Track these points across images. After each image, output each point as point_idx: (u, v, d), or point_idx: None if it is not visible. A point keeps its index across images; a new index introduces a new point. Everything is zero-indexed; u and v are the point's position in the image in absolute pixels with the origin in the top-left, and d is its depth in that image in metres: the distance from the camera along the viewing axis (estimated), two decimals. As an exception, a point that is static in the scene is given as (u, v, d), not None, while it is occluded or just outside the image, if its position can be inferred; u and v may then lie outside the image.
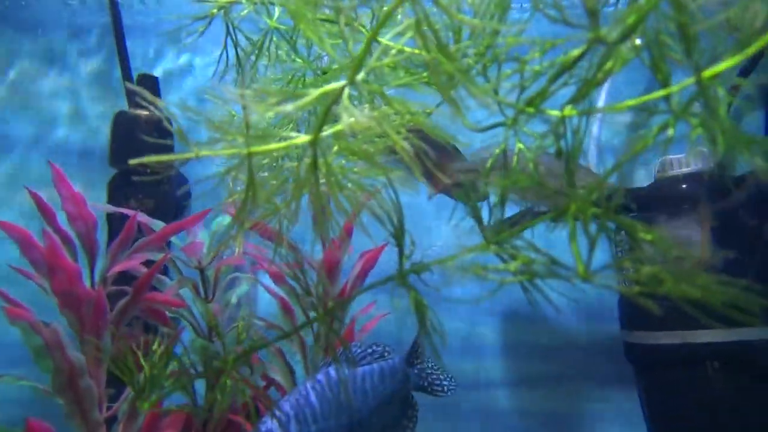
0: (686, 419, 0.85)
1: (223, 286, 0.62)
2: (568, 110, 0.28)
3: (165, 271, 0.74)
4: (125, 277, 0.60)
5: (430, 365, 0.58)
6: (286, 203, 0.30)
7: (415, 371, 0.58)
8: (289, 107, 0.22)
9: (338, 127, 0.23)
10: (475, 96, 0.24)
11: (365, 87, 0.23)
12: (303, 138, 0.24)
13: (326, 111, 0.22)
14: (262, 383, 0.61)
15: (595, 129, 1.02)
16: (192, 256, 0.59)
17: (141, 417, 0.49)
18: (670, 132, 0.28)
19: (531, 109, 0.29)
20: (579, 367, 1.09)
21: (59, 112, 1.10)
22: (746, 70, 1.01)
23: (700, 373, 0.83)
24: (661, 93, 0.27)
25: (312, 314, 0.63)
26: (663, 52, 0.26)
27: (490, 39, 0.28)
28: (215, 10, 0.39)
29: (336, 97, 0.22)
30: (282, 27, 0.41)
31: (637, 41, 0.26)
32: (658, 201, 0.93)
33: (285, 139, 0.24)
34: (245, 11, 0.40)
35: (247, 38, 0.42)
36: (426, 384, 0.59)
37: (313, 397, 0.47)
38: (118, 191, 0.96)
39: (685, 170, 0.93)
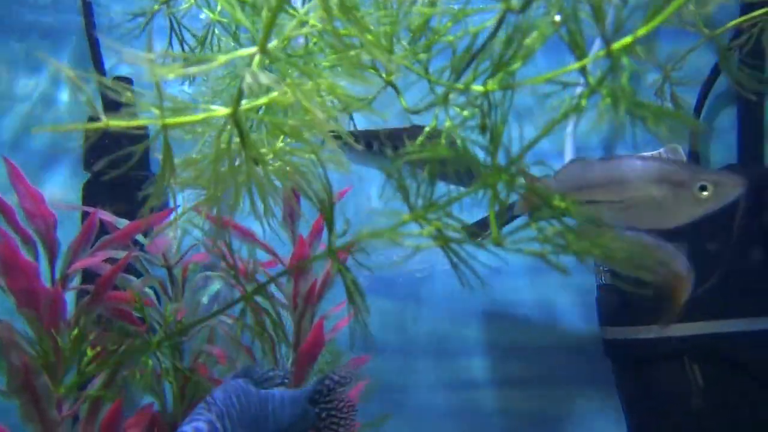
0: (661, 413, 0.85)
1: (193, 286, 0.62)
2: (491, 85, 0.28)
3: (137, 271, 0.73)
4: (94, 277, 0.59)
5: (334, 406, 0.55)
6: (207, 182, 0.29)
7: (316, 410, 0.55)
8: (192, 70, 0.22)
9: (261, 100, 0.23)
10: (377, 58, 0.24)
11: (277, 56, 0.23)
12: (222, 111, 0.24)
13: (239, 78, 0.22)
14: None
15: (570, 126, 1.03)
16: (156, 254, 0.58)
17: (101, 416, 0.48)
18: (582, 102, 0.28)
19: (460, 86, 0.29)
20: (562, 366, 1.09)
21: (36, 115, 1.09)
22: (717, 69, 1.02)
23: (674, 367, 0.84)
24: (576, 65, 0.27)
25: (282, 311, 0.63)
26: (578, 26, 0.26)
27: (408, 7, 0.28)
28: (157, 6, 0.39)
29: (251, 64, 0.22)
30: (224, 20, 0.41)
31: (557, 18, 0.27)
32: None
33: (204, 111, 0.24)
34: (186, 5, 0.40)
35: (192, 34, 0.41)
36: (322, 426, 0.55)
37: (236, 403, 0.46)
38: (91, 195, 0.95)
39: (659, 167, 0.93)
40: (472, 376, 1.11)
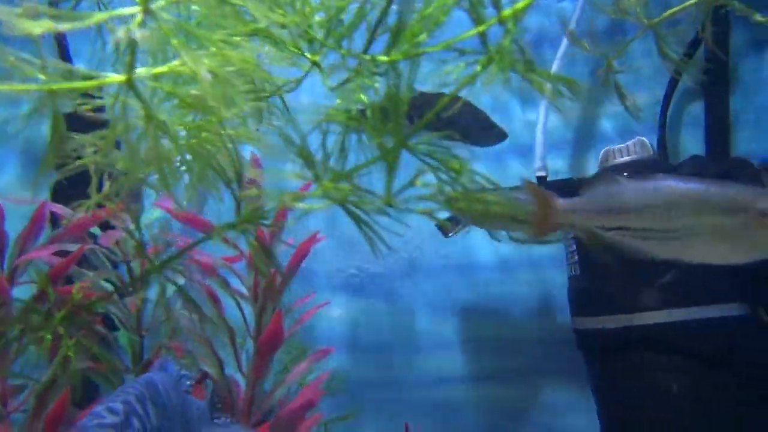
0: (629, 402, 0.86)
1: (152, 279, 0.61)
2: (394, 55, 0.28)
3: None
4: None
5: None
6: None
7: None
8: (63, 26, 0.21)
9: (161, 69, 0.23)
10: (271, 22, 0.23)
11: (163, 17, 0.23)
12: (115, 77, 0.23)
13: (128, 43, 0.22)
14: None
15: (541, 118, 1.03)
16: (112, 247, 0.57)
17: (47, 410, 0.47)
18: (478, 69, 0.28)
19: (366, 56, 0.29)
20: (538, 359, 1.10)
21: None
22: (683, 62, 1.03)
23: (637, 356, 0.85)
24: (471, 32, 0.28)
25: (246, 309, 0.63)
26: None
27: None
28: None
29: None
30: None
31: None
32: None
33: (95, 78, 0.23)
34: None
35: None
36: None
37: (162, 394, 0.44)
38: (61, 192, 0.94)
39: (625, 159, 0.94)
40: (449, 371, 1.11)
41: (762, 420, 0.80)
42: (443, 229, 1.02)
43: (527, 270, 1.11)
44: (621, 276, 0.88)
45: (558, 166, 1.11)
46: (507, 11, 0.28)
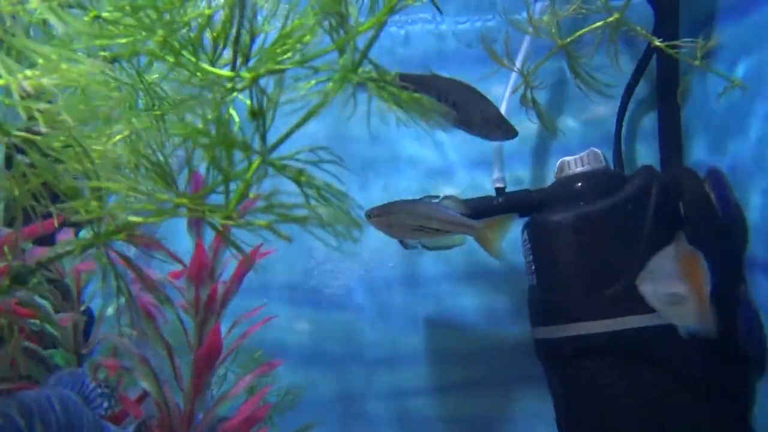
0: (584, 408, 0.87)
1: (92, 297, 0.60)
2: (253, 72, 0.29)
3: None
4: None
5: None
6: None
7: None
8: None
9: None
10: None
11: None
12: None
13: None
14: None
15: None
16: (33, 262, 0.56)
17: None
18: (330, 86, 0.28)
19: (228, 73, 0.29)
20: (501, 370, 1.10)
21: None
22: (635, 77, 1.06)
23: (594, 363, 0.85)
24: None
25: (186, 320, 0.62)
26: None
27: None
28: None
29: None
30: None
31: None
32: (557, 199, 0.96)
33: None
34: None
35: None
36: None
37: (57, 411, 0.41)
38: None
39: (579, 170, 0.96)
40: (411, 383, 1.11)
41: (708, 420, 0.81)
42: (404, 240, 1.02)
43: (489, 280, 1.12)
44: (575, 285, 0.89)
45: (519, 178, 1.13)
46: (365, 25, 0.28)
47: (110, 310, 0.64)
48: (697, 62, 0.73)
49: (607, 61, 0.92)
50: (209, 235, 0.65)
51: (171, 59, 0.28)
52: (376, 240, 1.12)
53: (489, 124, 0.85)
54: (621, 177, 0.95)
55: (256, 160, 0.33)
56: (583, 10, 0.75)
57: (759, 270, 0.81)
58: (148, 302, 0.61)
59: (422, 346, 1.12)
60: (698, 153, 0.99)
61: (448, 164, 1.14)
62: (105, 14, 0.29)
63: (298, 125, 0.34)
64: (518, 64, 0.96)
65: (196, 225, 0.63)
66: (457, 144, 1.14)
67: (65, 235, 0.61)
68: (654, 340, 0.83)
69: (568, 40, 0.75)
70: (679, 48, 0.88)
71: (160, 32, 0.29)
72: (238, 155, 0.34)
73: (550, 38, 0.76)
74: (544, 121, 0.89)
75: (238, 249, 0.33)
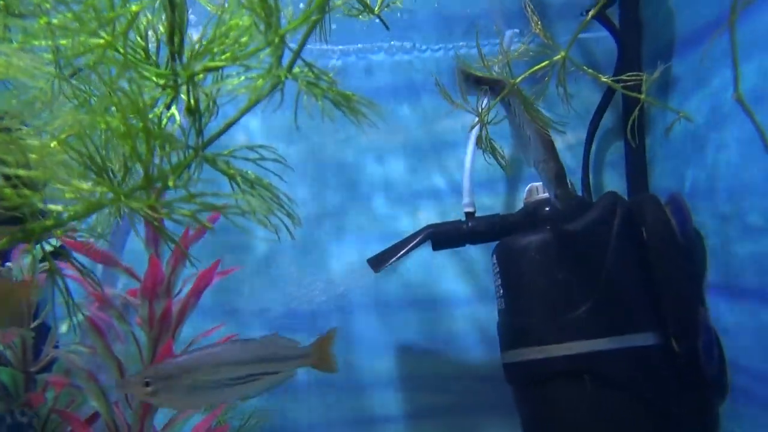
0: (549, 429, 0.86)
1: (45, 315, 0.59)
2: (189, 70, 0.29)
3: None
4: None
5: None
6: None
7: None
8: None
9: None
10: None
11: None
12: None
13: None
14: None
15: (469, 155, 1.07)
16: (-5, 276, 0.56)
17: None
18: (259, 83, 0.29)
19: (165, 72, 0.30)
20: (474, 395, 1.10)
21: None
22: (602, 106, 1.09)
23: (558, 386, 0.85)
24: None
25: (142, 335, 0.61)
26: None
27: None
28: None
29: None
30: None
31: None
32: (525, 223, 0.97)
33: None
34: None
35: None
36: None
37: None
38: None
39: (546, 195, 0.98)
40: (385, 409, 1.10)
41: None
42: (373, 264, 1.02)
43: (463, 306, 1.12)
44: (540, 308, 0.89)
45: (489, 203, 1.14)
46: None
47: (64, 328, 0.63)
48: (642, 96, 0.76)
49: (574, 91, 0.94)
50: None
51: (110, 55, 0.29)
52: (346, 264, 1.13)
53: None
54: (586, 202, 0.96)
55: (190, 155, 0.34)
56: (531, 53, 0.78)
57: (717, 293, 0.82)
58: (102, 319, 0.60)
59: (391, 373, 1.12)
60: (661, 180, 1.02)
61: (419, 191, 1.16)
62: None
63: (232, 122, 0.35)
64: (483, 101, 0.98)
65: (153, 241, 0.63)
66: (427, 169, 1.15)
67: (18, 253, 0.61)
68: (618, 363, 0.83)
69: (519, 78, 0.78)
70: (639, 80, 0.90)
71: (102, 33, 0.30)
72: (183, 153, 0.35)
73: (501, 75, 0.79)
74: (499, 160, 0.91)
75: (172, 240, 0.33)
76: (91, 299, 0.62)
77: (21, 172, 0.29)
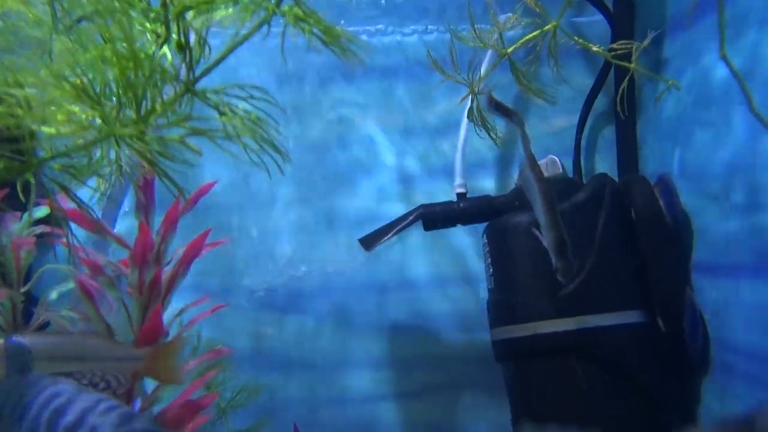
0: (535, 409, 0.87)
1: (36, 279, 0.60)
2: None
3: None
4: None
5: None
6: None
7: None
8: None
9: None
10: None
11: None
12: None
13: None
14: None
15: (462, 137, 1.07)
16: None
17: None
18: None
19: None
20: (464, 376, 1.11)
21: None
22: (594, 90, 1.10)
23: (545, 362, 0.86)
24: None
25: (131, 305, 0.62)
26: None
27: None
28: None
29: None
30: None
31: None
32: (516, 204, 0.98)
33: None
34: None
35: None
36: None
37: None
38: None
39: (537, 176, 0.98)
40: (374, 388, 1.11)
41: (656, 418, 0.82)
42: (365, 243, 1.03)
43: (452, 287, 1.13)
44: (530, 286, 0.90)
45: (483, 185, 1.15)
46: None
47: (54, 295, 0.64)
48: (632, 65, 0.77)
49: (567, 75, 0.95)
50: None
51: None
52: (337, 246, 1.13)
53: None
54: (576, 183, 0.97)
55: (181, 89, 0.34)
56: (521, 23, 0.78)
57: (702, 273, 0.83)
58: (93, 286, 0.61)
59: (381, 353, 1.13)
60: (651, 162, 1.02)
61: (412, 173, 1.16)
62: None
63: (222, 57, 0.35)
64: (482, 73, 0.98)
65: (144, 208, 0.64)
66: (419, 152, 1.16)
67: (11, 218, 0.61)
68: (605, 340, 0.84)
69: (510, 49, 0.79)
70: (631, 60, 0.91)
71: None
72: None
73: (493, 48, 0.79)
74: (489, 133, 0.91)
75: (167, 176, 0.34)
76: (83, 267, 0.62)
77: (17, 90, 0.29)
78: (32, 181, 0.34)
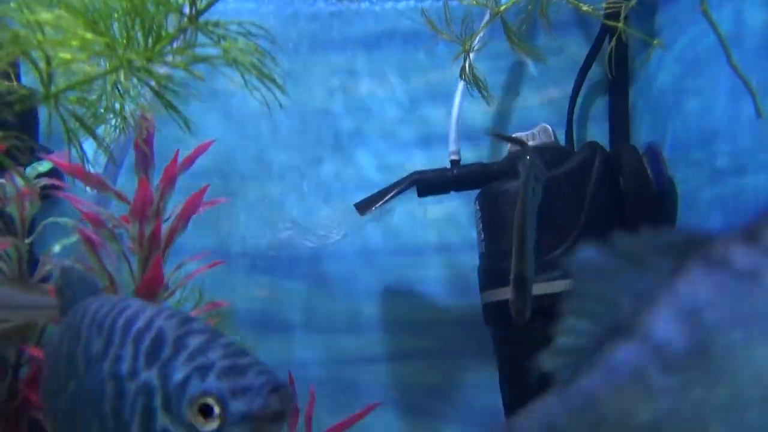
0: (525, 371, 0.90)
1: (40, 231, 0.62)
2: None
3: None
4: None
5: None
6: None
7: None
8: None
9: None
10: None
11: None
12: None
13: None
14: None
15: (456, 104, 1.08)
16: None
17: None
18: None
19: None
20: (453, 340, 1.14)
21: None
22: (588, 60, 1.11)
23: (535, 325, 0.89)
24: None
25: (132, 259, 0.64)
26: None
27: None
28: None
29: None
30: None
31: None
32: (508, 171, 1.00)
33: None
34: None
35: None
36: None
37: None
38: None
39: (529, 143, 1.00)
40: (365, 351, 1.14)
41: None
42: (360, 207, 1.05)
43: (443, 253, 1.15)
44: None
45: (476, 154, 1.17)
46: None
47: (57, 248, 0.66)
48: (620, 24, 0.78)
49: (562, 45, 0.96)
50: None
51: None
52: (333, 210, 1.15)
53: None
54: (567, 151, 0.99)
55: (185, 21, 0.36)
56: None
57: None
58: (96, 238, 0.63)
59: (377, 316, 1.15)
60: (642, 132, 1.04)
61: (406, 141, 1.18)
62: None
63: None
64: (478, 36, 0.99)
65: (144, 164, 0.65)
66: (413, 120, 1.17)
67: (9, 174, 0.63)
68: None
69: (502, 7, 0.79)
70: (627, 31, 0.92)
71: None
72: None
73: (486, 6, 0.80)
74: (482, 90, 0.92)
75: (172, 107, 0.36)
76: (85, 221, 0.64)
77: (28, 15, 0.30)
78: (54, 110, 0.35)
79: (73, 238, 0.68)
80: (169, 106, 0.36)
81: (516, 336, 0.93)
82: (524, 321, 0.72)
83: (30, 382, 0.57)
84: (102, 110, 0.39)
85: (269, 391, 0.34)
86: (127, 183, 0.88)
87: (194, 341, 0.36)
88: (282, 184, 1.17)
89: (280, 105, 0.39)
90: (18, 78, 0.64)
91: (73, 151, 0.44)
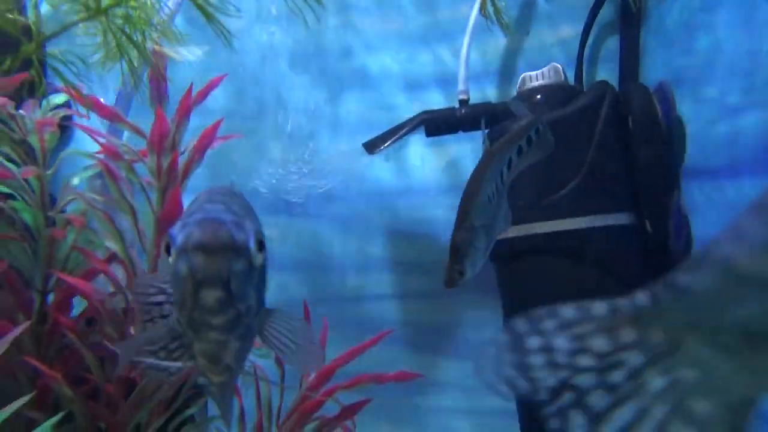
0: (525, 303, 0.94)
1: (61, 159, 0.63)
2: None
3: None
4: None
5: None
6: None
7: None
8: None
9: None
10: None
11: None
12: None
13: None
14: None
15: (465, 45, 1.07)
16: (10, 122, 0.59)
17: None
18: None
19: None
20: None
21: None
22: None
23: (537, 261, 0.92)
24: None
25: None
26: None
27: None
28: None
29: None
30: None
31: None
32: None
33: None
34: None
35: None
36: None
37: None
38: None
39: (539, 83, 1.00)
40: (377, 290, 1.18)
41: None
42: (368, 147, 1.06)
43: (449, 195, 1.17)
44: (526, 190, 0.94)
45: (485, 94, 1.16)
46: None
47: (76, 180, 0.67)
48: None
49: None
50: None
51: None
52: (338, 153, 1.16)
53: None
54: (577, 90, 0.99)
55: None
56: None
57: (693, 176, 0.87)
58: (116, 173, 0.64)
59: (384, 257, 1.18)
60: (653, 71, 1.03)
61: (413, 81, 1.17)
62: None
63: None
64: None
65: (158, 96, 0.66)
66: (425, 61, 1.16)
67: (29, 105, 0.63)
68: (595, 240, 0.89)
69: None
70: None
71: None
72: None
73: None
74: (503, 25, 0.91)
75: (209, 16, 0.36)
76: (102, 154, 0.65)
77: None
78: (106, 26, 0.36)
79: (90, 171, 0.69)
80: (211, 17, 0.36)
81: (520, 272, 0.96)
82: (452, 287, 0.72)
83: (59, 306, 0.59)
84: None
85: (195, 223, 0.37)
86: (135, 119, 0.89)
87: (207, 206, 0.40)
88: (287, 125, 1.18)
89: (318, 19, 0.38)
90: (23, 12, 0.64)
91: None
